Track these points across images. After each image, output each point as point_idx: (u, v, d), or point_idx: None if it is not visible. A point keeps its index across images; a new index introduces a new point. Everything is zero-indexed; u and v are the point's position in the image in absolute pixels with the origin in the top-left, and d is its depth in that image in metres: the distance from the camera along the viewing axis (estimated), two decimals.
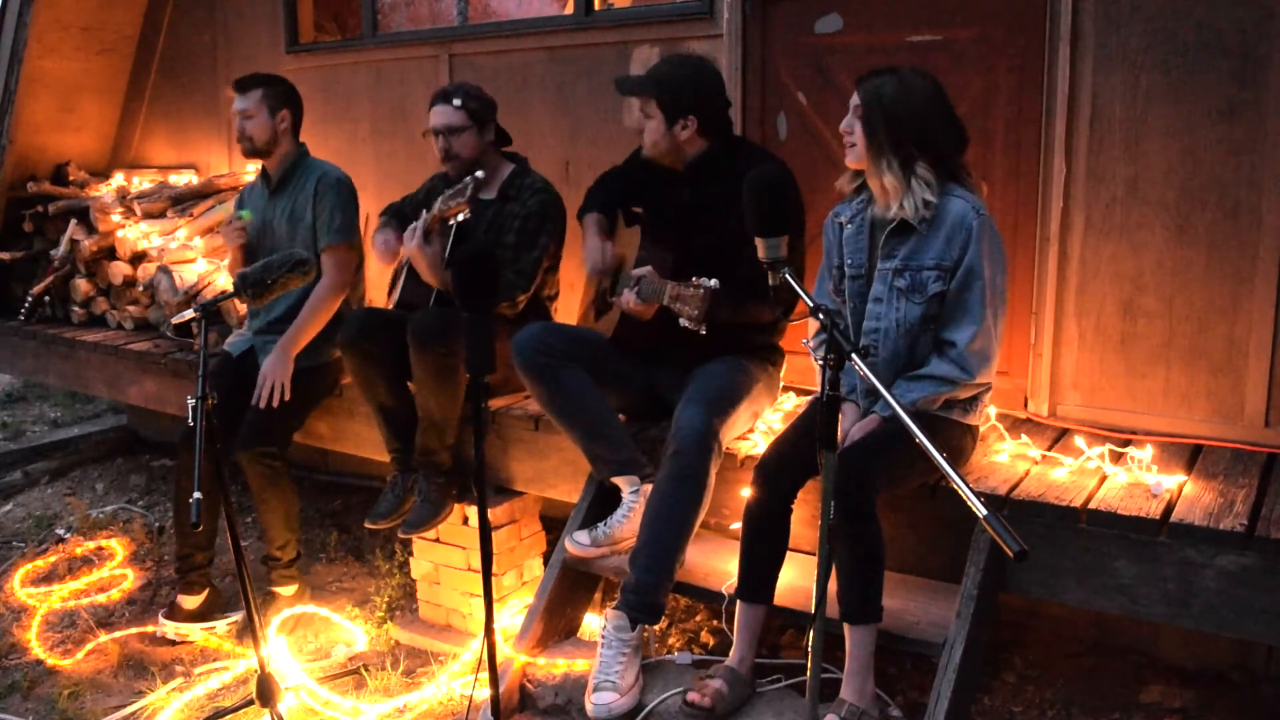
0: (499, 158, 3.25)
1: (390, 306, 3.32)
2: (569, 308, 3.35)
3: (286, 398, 3.27)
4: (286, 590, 3.41)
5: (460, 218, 2.88)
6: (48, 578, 3.88)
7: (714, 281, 2.39)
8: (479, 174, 2.90)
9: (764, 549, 2.43)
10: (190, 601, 3.38)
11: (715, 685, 2.37)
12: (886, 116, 2.33)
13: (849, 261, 2.51)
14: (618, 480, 2.77)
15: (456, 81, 3.31)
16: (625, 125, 3.65)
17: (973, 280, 2.34)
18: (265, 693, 2.50)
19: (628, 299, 2.65)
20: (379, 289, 3.65)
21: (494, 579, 2.54)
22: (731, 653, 2.46)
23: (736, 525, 2.50)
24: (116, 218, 4.47)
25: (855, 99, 2.39)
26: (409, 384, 3.10)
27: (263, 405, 3.26)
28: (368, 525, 3.22)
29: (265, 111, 3.41)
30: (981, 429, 2.59)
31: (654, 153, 2.81)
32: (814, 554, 1.83)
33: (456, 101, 3.12)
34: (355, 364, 3.11)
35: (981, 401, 2.50)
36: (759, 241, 1.88)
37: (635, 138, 2.91)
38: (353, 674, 3.07)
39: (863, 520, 2.21)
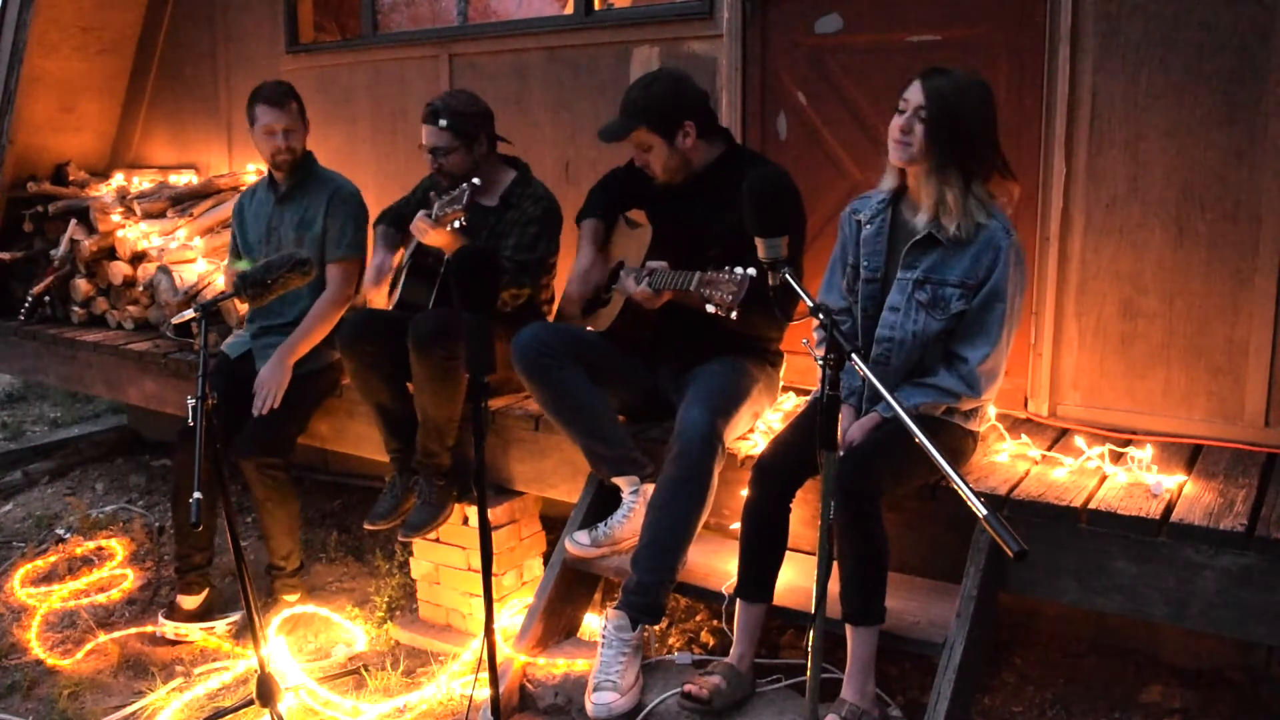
0: (498, 164, 3.24)
1: (390, 307, 3.33)
2: None
3: (276, 404, 3.28)
4: (290, 598, 3.42)
5: (456, 225, 2.89)
6: (48, 578, 3.88)
7: (751, 270, 2.31)
8: (475, 181, 2.89)
9: (763, 548, 2.43)
10: (189, 602, 3.38)
11: (714, 680, 2.37)
12: (960, 129, 2.22)
13: (865, 263, 2.47)
14: (618, 480, 2.77)
15: (450, 92, 3.28)
16: None
17: (995, 302, 2.30)
18: (265, 693, 2.50)
19: (637, 288, 2.64)
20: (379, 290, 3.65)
21: (494, 579, 2.54)
22: (731, 650, 2.46)
23: (736, 525, 2.50)
24: (116, 218, 4.47)
25: (917, 97, 2.25)
26: (408, 385, 3.10)
27: (262, 413, 3.27)
28: (367, 526, 3.22)
29: (302, 123, 3.43)
30: (981, 430, 2.59)
31: (667, 175, 2.79)
32: (814, 554, 1.83)
33: (443, 123, 3.09)
34: (354, 366, 3.10)
35: (982, 408, 2.50)
36: (759, 241, 1.88)
37: None
38: (353, 674, 3.07)
39: (867, 522, 2.21)
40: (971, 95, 2.26)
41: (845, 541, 2.21)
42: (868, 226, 2.48)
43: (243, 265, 3.48)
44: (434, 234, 2.95)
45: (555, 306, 3.30)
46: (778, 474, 2.40)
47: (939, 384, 2.35)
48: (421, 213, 3.00)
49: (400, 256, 3.39)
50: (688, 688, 2.36)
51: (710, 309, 2.32)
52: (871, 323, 2.44)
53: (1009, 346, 2.38)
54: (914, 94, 2.27)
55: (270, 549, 3.42)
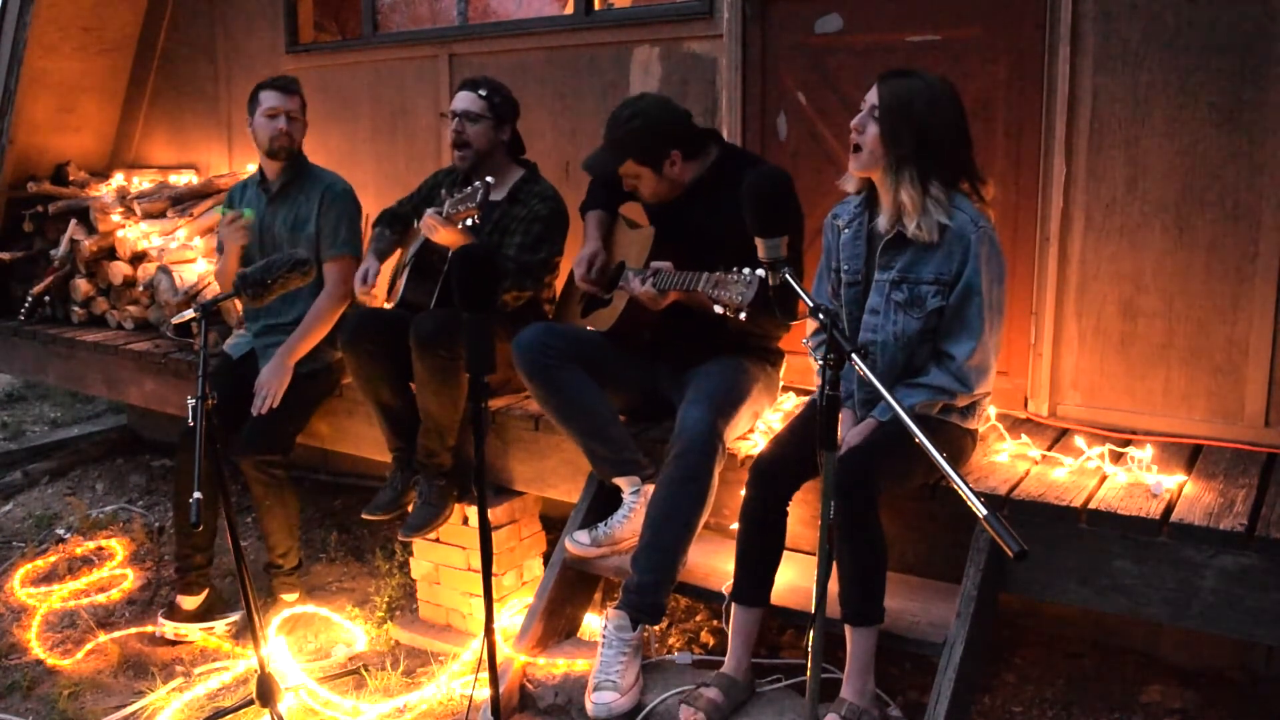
0: (509, 161, 3.26)
1: (391, 305, 3.33)
2: None
3: (276, 405, 3.28)
4: (289, 597, 3.42)
5: (469, 222, 2.88)
6: (48, 578, 3.88)
7: (760, 271, 2.29)
8: (489, 179, 2.89)
9: (760, 549, 2.42)
10: (189, 602, 3.38)
11: (710, 695, 2.36)
12: (913, 127, 2.24)
13: (845, 267, 2.48)
14: (618, 480, 2.77)
15: (488, 76, 3.31)
16: None
17: (971, 295, 2.30)
18: (265, 693, 2.50)
19: (642, 288, 2.64)
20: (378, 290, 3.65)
21: (494, 579, 2.55)
22: (727, 659, 2.45)
23: (737, 525, 2.49)
24: (116, 218, 4.47)
25: (873, 98, 2.29)
26: (410, 383, 3.10)
27: (261, 413, 3.27)
28: (365, 515, 3.24)
29: (303, 117, 3.46)
30: (981, 429, 2.59)
31: (656, 199, 2.81)
32: (814, 554, 1.82)
33: (482, 91, 3.15)
34: (356, 364, 3.11)
35: (980, 406, 2.50)
36: (759, 242, 1.88)
37: None
38: (353, 674, 3.07)
39: (865, 522, 2.20)
40: (926, 95, 2.26)
41: (844, 542, 2.21)
42: (846, 231, 2.49)
43: (249, 213, 3.49)
44: (444, 231, 2.95)
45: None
46: (776, 475, 2.40)
47: (931, 383, 2.35)
48: (431, 210, 2.99)
49: (398, 256, 3.39)
50: (684, 713, 2.35)
51: (718, 310, 2.32)
52: (857, 326, 2.45)
53: (995, 337, 2.37)
54: (871, 94, 2.31)
55: (268, 547, 3.42)
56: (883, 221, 2.36)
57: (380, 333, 3.07)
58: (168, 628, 3.35)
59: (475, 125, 3.14)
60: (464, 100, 3.16)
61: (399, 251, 3.43)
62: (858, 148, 2.33)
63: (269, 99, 3.39)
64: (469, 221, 2.88)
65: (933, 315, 2.35)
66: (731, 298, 2.30)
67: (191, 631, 3.35)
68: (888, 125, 2.26)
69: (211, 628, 3.37)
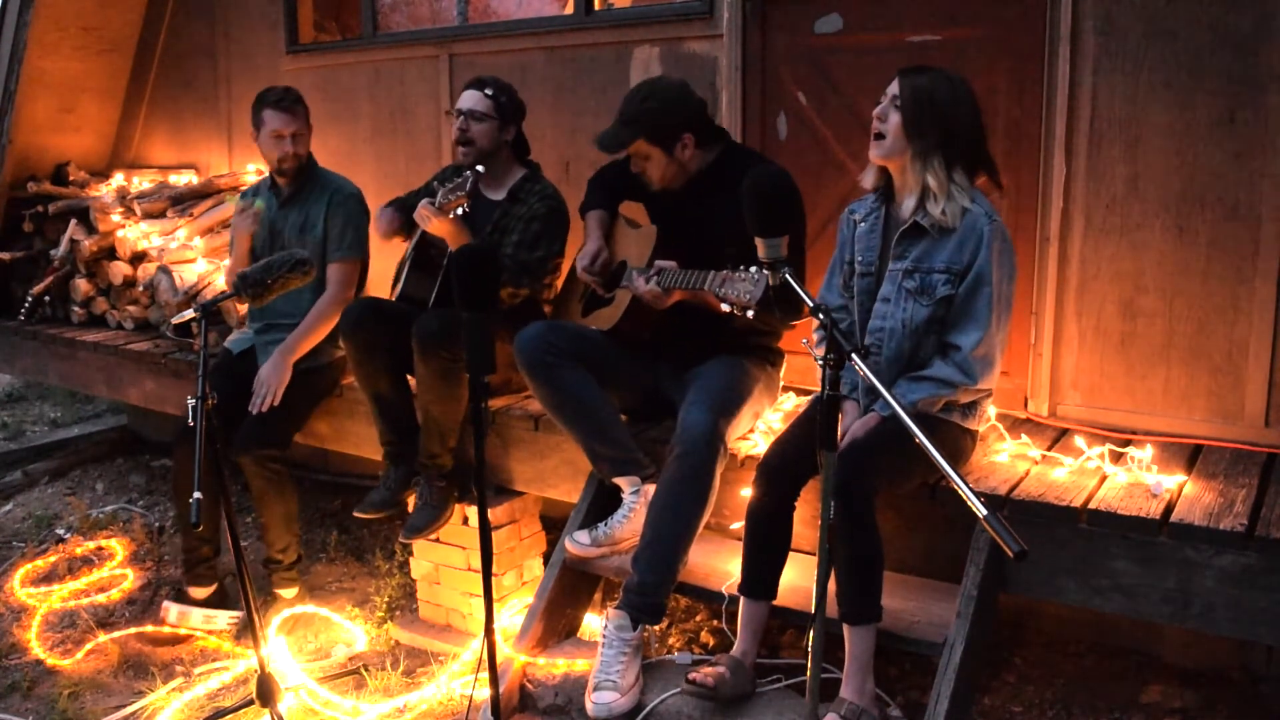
0: (513, 160, 3.27)
1: (393, 299, 3.33)
2: None
3: (276, 403, 3.29)
4: (288, 593, 3.42)
5: (459, 212, 2.89)
6: (48, 578, 3.88)
7: (766, 271, 2.33)
8: (479, 169, 2.90)
9: (767, 549, 2.43)
10: (199, 594, 3.40)
11: (719, 670, 2.38)
12: (936, 119, 2.30)
13: (860, 259, 2.51)
14: (619, 480, 2.77)
15: (496, 76, 3.32)
16: None
17: (981, 286, 2.33)
18: (265, 693, 2.50)
19: (646, 286, 2.64)
20: (380, 289, 3.65)
21: (494, 579, 2.54)
22: (735, 646, 2.47)
23: (737, 525, 2.50)
24: (116, 218, 4.47)
25: (894, 89, 2.35)
26: (409, 377, 3.10)
27: (260, 410, 3.27)
28: (356, 513, 3.25)
29: (308, 128, 3.46)
30: (981, 429, 2.59)
31: (664, 184, 2.80)
32: (815, 554, 1.83)
33: (488, 91, 3.17)
34: (356, 351, 3.11)
35: (981, 406, 2.50)
36: (759, 241, 1.88)
37: None
38: (353, 674, 3.07)
39: (862, 520, 2.21)
40: (947, 87, 2.33)
41: (841, 540, 2.21)
42: (862, 224, 2.53)
43: (260, 203, 3.50)
44: (437, 222, 2.96)
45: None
46: (782, 474, 2.40)
47: (935, 375, 2.35)
48: (424, 201, 3.00)
49: (405, 248, 3.39)
50: (693, 674, 2.36)
51: (725, 308, 2.32)
52: (868, 316, 2.47)
53: (1001, 332, 2.39)
54: (892, 87, 2.37)
55: (267, 542, 3.42)
56: (906, 207, 2.39)
57: (381, 324, 3.08)
58: (172, 611, 3.35)
59: (480, 124, 3.15)
60: (470, 99, 3.17)
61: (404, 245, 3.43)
62: (880, 135, 2.37)
63: (272, 120, 3.37)
64: (459, 211, 2.89)
65: (941, 303, 2.36)
66: (739, 295, 2.30)
67: (193, 615, 3.35)
68: (911, 115, 2.32)
69: (214, 616, 3.37)
